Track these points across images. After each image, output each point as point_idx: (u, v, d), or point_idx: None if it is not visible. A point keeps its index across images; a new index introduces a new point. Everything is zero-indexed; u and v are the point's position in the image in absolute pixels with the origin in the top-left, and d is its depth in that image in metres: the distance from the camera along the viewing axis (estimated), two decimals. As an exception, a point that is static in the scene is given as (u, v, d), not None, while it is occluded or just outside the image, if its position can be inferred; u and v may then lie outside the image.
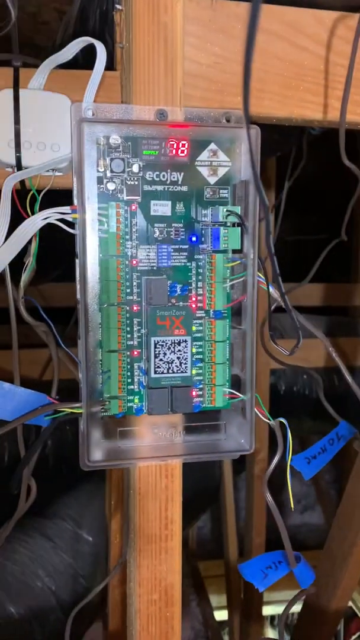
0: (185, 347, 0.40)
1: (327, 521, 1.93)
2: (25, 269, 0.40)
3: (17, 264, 0.40)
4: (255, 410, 0.42)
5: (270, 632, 1.83)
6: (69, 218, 0.38)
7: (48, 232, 0.40)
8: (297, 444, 1.76)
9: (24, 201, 0.40)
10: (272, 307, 0.42)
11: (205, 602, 1.68)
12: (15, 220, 0.40)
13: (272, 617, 1.84)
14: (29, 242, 0.40)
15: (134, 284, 0.40)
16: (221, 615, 1.68)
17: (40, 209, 0.39)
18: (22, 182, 0.40)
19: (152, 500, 0.44)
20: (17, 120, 0.39)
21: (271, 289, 0.41)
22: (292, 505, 0.42)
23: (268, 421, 0.43)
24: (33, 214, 0.39)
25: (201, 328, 0.42)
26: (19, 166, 0.40)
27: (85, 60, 0.42)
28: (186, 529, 1.64)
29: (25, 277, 0.40)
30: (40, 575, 0.97)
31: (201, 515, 1.67)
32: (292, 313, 0.30)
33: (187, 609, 1.68)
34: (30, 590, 0.94)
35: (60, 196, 0.42)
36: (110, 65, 0.43)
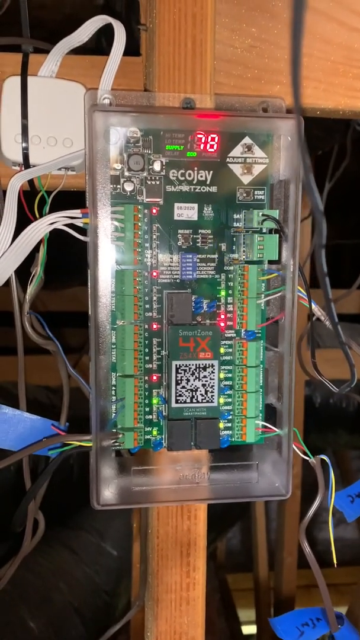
0: (212, 372, 0.35)
1: (360, 535, 1.84)
2: (31, 280, 0.35)
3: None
4: (293, 446, 0.36)
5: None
6: (79, 223, 0.33)
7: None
8: (331, 457, 1.68)
9: (32, 203, 0.35)
10: (313, 319, 0.36)
11: (233, 617, 1.63)
12: (24, 226, 0.35)
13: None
14: (37, 250, 0.35)
15: (154, 299, 0.35)
16: (249, 629, 1.62)
17: (52, 213, 0.34)
18: (30, 182, 0.36)
19: (173, 544, 0.38)
20: (24, 112, 0.35)
21: (314, 307, 0.35)
22: (335, 561, 0.36)
23: (307, 458, 0.37)
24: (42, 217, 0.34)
25: (231, 350, 0.36)
26: (26, 164, 0.35)
27: (110, 47, 0.37)
28: (215, 542, 1.59)
29: (31, 289, 0.35)
30: (61, 589, 0.94)
31: (230, 528, 1.61)
32: (344, 347, 0.24)
33: (214, 625, 1.62)
34: (51, 605, 0.91)
35: (76, 199, 0.37)
36: (136, 53, 0.38)
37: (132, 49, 0.38)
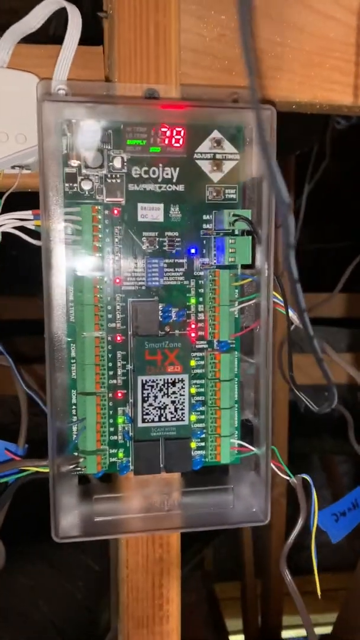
0: (182, 387, 0.32)
1: (346, 540, 1.82)
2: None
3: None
4: (272, 464, 0.33)
5: (290, 659, 1.72)
6: (30, 226, 0.30)
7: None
8: (317, 464, 1.66)
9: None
10: (290, 328, 0.33)
11: (221, 627, 1.59)
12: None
13: (293, 642, 1.74)
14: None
15: (117, 308, 0.32)
16: (237, 639, 1.59)
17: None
18: (-20, 183, 0.33)
19: (143, 574, 0.35)
20: (-28, 105, 0.32)
21: (291, 313, 0.32)
22: (319, 592, 0.33)
23: (287, 478, 0.34)
24: (-7, 221, 0.31)
25: (202, 363, 0.34)
26: (-25, 162, 0.32)
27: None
28: (201, 552, 1.56)
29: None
30: (40, 606, 0.90)
31: (216, 537, 1.58)
32: (322, 364, 0.21)
33: (202, 637, 1.59)
34: (29, 623, 0.87)
35: (33, 200, 0.34)
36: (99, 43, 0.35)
37: (97, 39, 0.35)
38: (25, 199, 0.34)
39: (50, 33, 0.37)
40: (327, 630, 0.94)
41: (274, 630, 1.25)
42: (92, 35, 0.35)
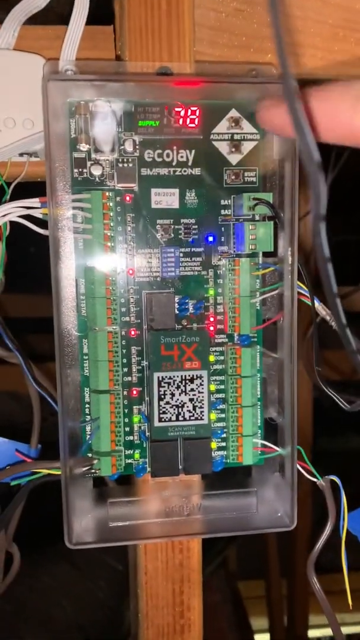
0: (201, 384, 0.30)
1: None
2: (-11, 284, 0.30)
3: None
4: (298, 466, 0.31)
5: (316, 658, 1.70)
6: (38, 214, 0.28)
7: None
8: (342, 463, 1.63)
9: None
10: (316, 320, 0.31)
11: (246, 627, 1.58)
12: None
13: (319, 641, 1.71)
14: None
15: (131, 300, 0.30)
16: (263, 638, 1.57)
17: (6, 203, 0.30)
18: (-13, 171, 0.31)
19: (163, 581, 0.33)
20: (-23, 90, 0.30)
21: (318, 305, 0.30)
22: (350, 603, 0.31)
23: (315, 480, 0.32)
24: (0, 211, 0.30)
25: (222, 358, 0.32)
26: (-20, 150, 0.30)
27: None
28: (225, 551, 1.54)
29: (-11, 294, 0.30)
30: (64, 606, 0.90)
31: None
32: (355, 356, 0.19)
33: (226, 637, 1.57)
34: (52, 623, 0.86)
35: (43, 190, 0.32)
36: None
37: (108, 20, 0.33)
38: (34, 189, 0.33)
39: (63, 13, 0.35)
40: (356, 629, 0.91)
41: (300, 629, 1.23)
42: (102, 16, 0.33)
